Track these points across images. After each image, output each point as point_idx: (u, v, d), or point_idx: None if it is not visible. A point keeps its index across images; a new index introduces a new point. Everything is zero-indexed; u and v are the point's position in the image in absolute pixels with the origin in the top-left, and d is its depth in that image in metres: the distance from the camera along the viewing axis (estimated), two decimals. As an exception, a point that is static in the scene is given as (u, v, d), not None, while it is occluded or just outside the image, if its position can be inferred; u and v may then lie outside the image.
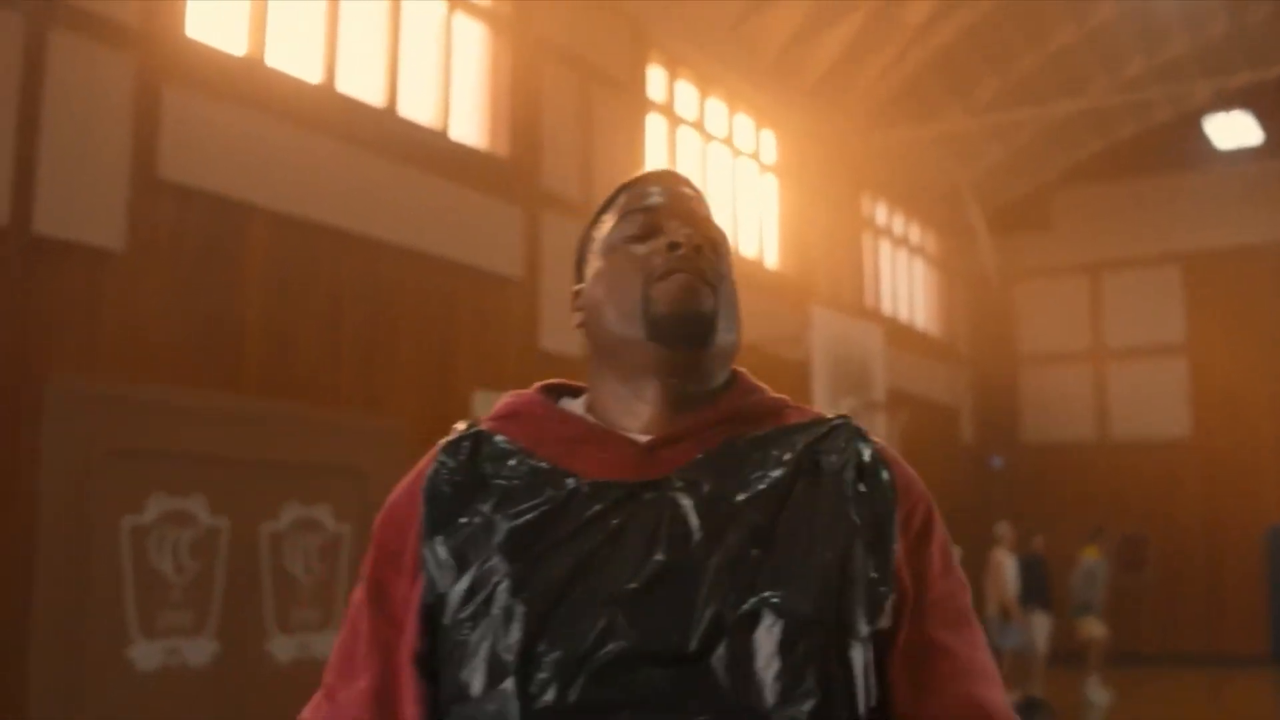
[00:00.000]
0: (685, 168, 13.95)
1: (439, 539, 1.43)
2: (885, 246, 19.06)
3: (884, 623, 1.40)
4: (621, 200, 1.60)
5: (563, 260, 11.74)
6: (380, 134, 9.81)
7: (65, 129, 7.65)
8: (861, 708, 1.36)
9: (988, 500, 19.86)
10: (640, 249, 1.50)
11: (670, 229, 1.51)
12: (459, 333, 10.38)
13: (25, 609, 7.33)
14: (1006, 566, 13.09)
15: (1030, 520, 17.62)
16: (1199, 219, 20.05)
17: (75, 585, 7.59)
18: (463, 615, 1.37)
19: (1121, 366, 20.55)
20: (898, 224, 19.51)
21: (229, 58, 8.74)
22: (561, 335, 11.37)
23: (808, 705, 1.30)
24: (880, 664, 1.40)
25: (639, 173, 1.64)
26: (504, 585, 1.36)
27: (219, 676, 8.35)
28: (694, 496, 1.39)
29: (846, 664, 1.35)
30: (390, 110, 10.06)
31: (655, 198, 1.56)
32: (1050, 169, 20.92)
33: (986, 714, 1.42)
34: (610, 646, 1.30)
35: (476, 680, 1.34)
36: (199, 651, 8.25)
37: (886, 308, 18.77)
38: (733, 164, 15.02)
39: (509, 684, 1.31)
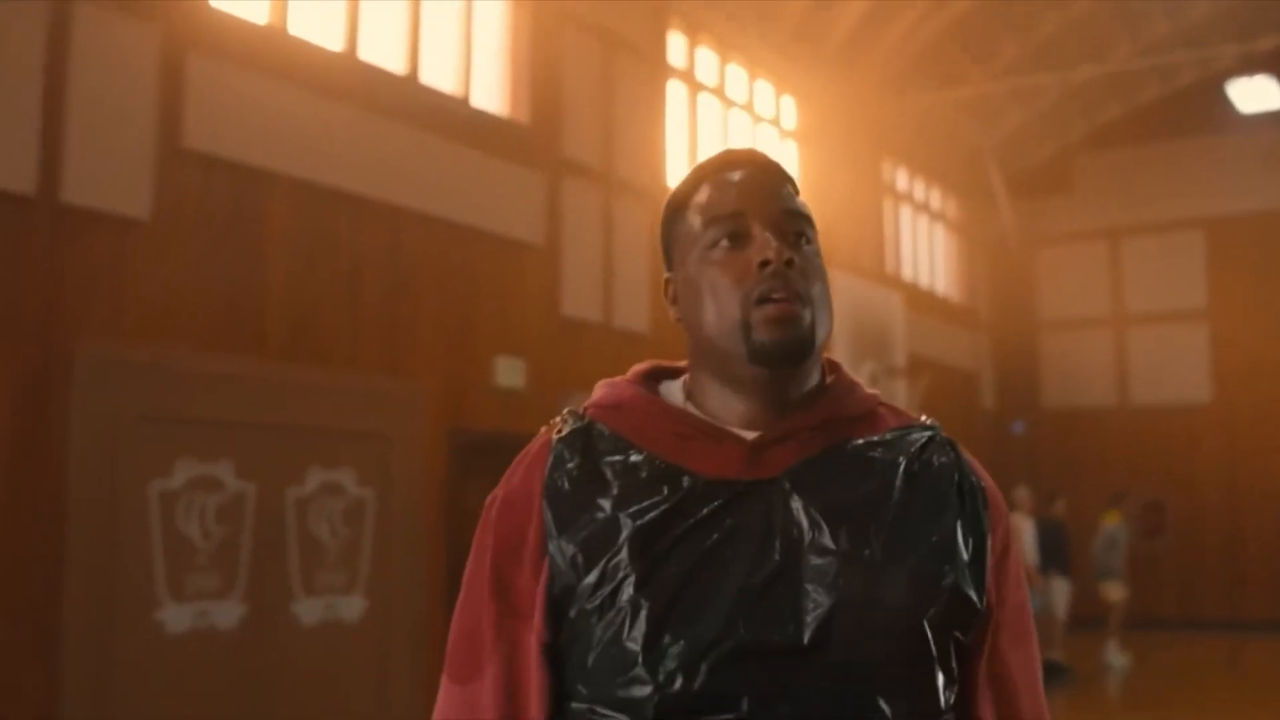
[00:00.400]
0: (706, 134, 13.98)
1: (564, 537, 1.49)
2: (905, 212, 19.05)
3: (972, 636, 1.49)
4: (706, 194, 1.60)
5: (583, 227, 11.81)
6: (401, 101, 9.87)
7: (91, 99, 7.73)
8: (944, 706, 1.46)
9: (1007, 465, 19.92)
10: (732, 264, 1.52)
11: (758, 239, 1.53)
12: (480, 299, 10.46)
13: (57, 572, 7.47)
14: (1024, 531, 13.14)
15: (1050, 485, 17.67)
16: (1221, 184, 19.96)
17: (105, 549, 7.72)
18: (590, 607, 1.45)
19: (1142, 332, 20.52)
20: (918, 189, 19.49)
21: (252, 27, 8.81)
22: (582, 302, 11.45)
23: (909, 702, 1.40)
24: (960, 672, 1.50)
25: (719, 152, 1.66)
26: (630, 580, 1.43)
27: (246, 639, 8.49)
28: (804, 497, 1.46)
29: (946, 667, 1.45)
30: (411, 78, 10.12)
31: (737, 199, 1.56)
32: (1072, 133, 20.85)
33: None
34: (730, 640, 1.39)
35: (604, 669, 1.43)
36: (227, 614, 8.39)
37: (907, 273, 18.78)
38: (753, 130, 15.03)
39: (638, 671, 1.40)
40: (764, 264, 1.50)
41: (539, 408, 10.76)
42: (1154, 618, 18.29)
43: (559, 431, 1.58)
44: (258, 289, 8.73)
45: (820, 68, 15.74)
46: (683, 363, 1.67)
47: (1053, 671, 13.50)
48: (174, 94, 8.21)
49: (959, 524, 1.50)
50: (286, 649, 8.71)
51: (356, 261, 9.43)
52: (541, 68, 11.36)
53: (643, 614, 1.41)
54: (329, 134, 9.19)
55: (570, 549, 1.48)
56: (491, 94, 11.12)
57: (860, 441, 1.54)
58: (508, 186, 10.77)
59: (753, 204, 1.55)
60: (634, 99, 12.54)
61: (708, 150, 13.74)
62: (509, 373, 10.59)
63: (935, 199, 20.12)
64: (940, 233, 20.37)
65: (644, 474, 1.50)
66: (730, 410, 1.54)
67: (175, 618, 8.10)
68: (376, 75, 9.75)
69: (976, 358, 20.95)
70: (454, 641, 1.59)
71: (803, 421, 1.53)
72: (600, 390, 1.63)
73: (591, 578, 1.46)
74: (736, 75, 14.77)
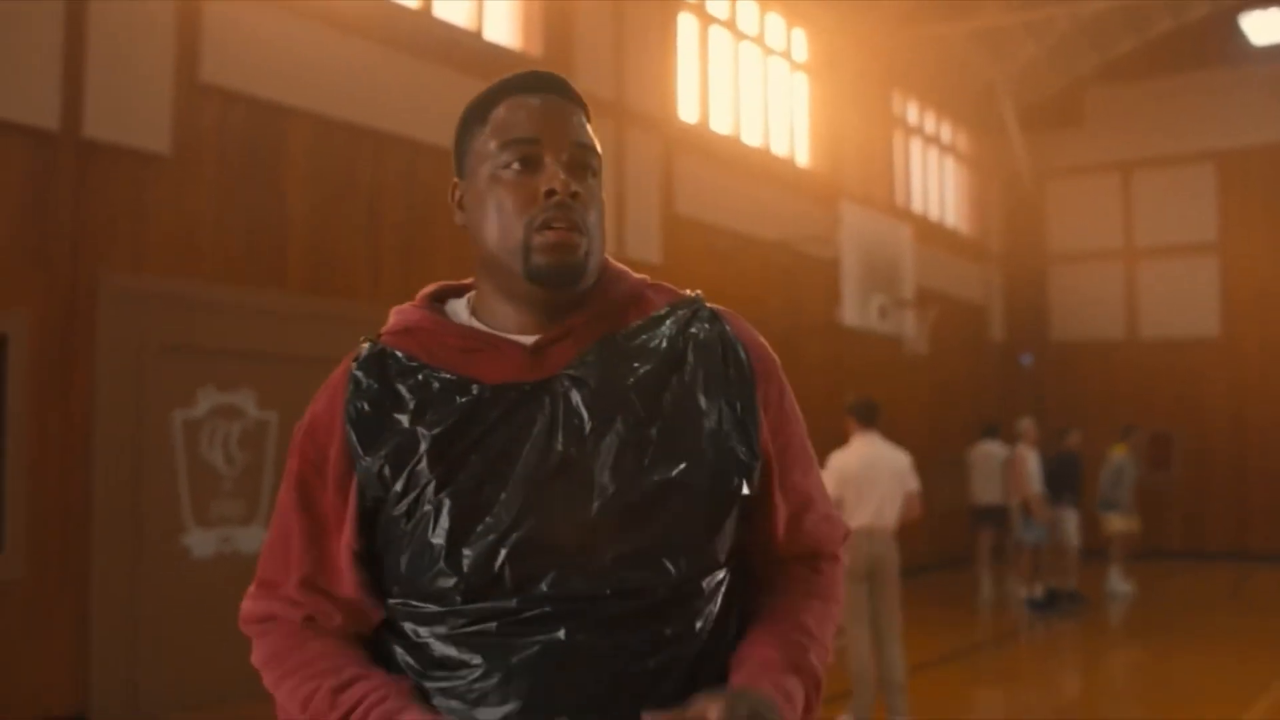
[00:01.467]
0: (717, 66, 14.01)
1: (369, 455, 1.62)
2: (916, 145, 19.08)
3: (752, 489, 1.66)
4: (503, 113, 1.67)
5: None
6: (416, 36, 9.95)
7: (111, 36, 7.84)
8: (722, 559, 1.64)
9: (1015, 397, 20.07)
10: (520, 188, 1.62)
11: (548, 169, 1.62)
12: (495, 232, 10.58)
13: (86, 499, 7.68)
14: (1029, 461, 13.30)
15: (1057, 417, 17.84)
16: (1234, 117, 19.92)
17: (131, 476, 7.93)
18: (397, 513, 1.60)
19: (1152, 265, 20.57)
20: (929, 122, 19.50)
21: (268, -38, 8.89)
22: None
23: (690, 558, 1.58)
24: (748, 517, 1.69)
25: (524, 72, 1.72)
26: (431, 485, 1.58)
27: (269, 563, 8.69)
28: (582, 391, 1.60)
29: (720, 524, 1.62)
30: (426, 12, 10.20)
31: (533, 125, 1.64)
32: (1084, 66, 20.79)
33: (821, 538, 1.78)
34: (524, 527, 1.55)
35: (415, 566, 1.59)
36: (251, 540, 8.60)
37: (917, 206, 18.84)
38: (764, 63, 15.06)
39: (442, 565, 1.56)
40: (550, 193, 1.60)
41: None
42: (1161, 549, 18.51)
43: (356, 358, 1.71)
44: (278, 222, 8.87)
45: (832, 0, 15.72)
46: (469, 280, 1.80)
47: (1069, 599, 13.77)
48: (192, 29, 8.31)
49: (725, 390, 1.65)
50: (308, 574, 8.91)
51: (374, 195, 9.56)
52: (553, 1, 11.42)
53: (444, 512, 1.56)
54: (345, 68, 9.29)
55: (376, 463, 1.62)
56: (504, 27, 11.19)
57: (631, 327, 1.68)
58: (521, 120, 10.84)
59: (547, 132, 1.63)
60: (645, 31, 12.59)
61: (718, 85, 13.81)
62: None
63: (946, 132, 20.13)
64: (950, 166, 20.40)
65: (436, 388, 1.63)
66: (510, 319, 1.67)
67: (201, 543, 8.32)
68: (392, 10, 9.83)
69: (986, 290, 21.04)
70: (264, 555, 1.74)
71: (576, 320, 1.65)
72: (392, 317, 1.76)
73: (398, 487, 1.60)
74: (748, 8, 14.78)
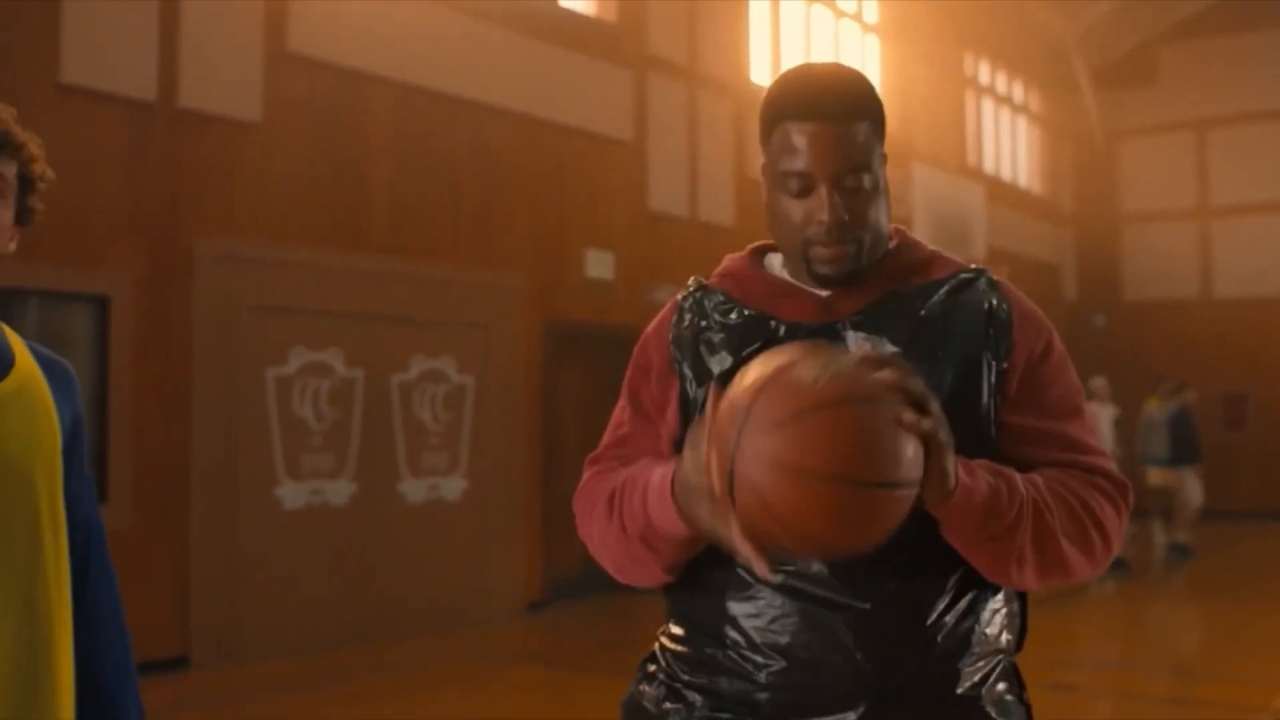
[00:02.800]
0: (788, 29, 14.13)
1: (687, 365, 1.96)
2: (988, 105, 19.07)
3: (1004, 420, 1.88)
4: (781, 137, 1.89)
5: (669, 123, 12.08)
6: (494, 4, 10.19)
7: (203, 10, 8.17)
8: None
9: (1087, 357, 20.07)
10: (797, 207, 1.87)
11: (819, 197, 1.84)
12: (570, 194, 10.85)
13: (185, 453, 8.06)
14: (1101, 419, 13.40)
15: (1130, 377, 17.84)
16: (1311, 73, 19.70)
17: (227, 431, 8.30)
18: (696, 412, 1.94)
19: (1226, 224, 20.42)
20: (1000, 82, 19.47)
21: (351, -67, 9.16)
22: (668, 196, 11.78)
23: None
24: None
25: (799, 83, 1.92)
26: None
27: (356, 515, 9.07)
28: (860, 334, 1.88)
29: (981, 450, 1.83)
30: (502, -20, 10.43)
31: (805, 159, 1.85)
32: (1158, 23, 20.62)
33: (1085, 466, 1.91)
34: None
35: None
36: (339, 492, 8.96)
37: (989, 166, 18.85)
38: (835, 25, 15.15)
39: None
40: (822, 223, 1.84)
41: (627, 298, 11.18)
42: (1232, 510, 18.47)
43: (683, 293, 2.06)
44: (360, 186, 9.18)
45: (902, -39, 15.75)
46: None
47: (1178, 551, 14.08)
48: (279, 2, 8.62)
49: (984, 346, 1.88)
50: (393, 526, 9.28)
51: (454, 160, 9.84)
52: (627, -33, 11.60)
53: None
54: (424, 36, 9.56)
55: (690, 373, 1.96)
56: (579, -6, 11.40)
57: (913, 286, 1.94)
58: (596, 84, 11.09)
59: (818, 164, 1.84)
60: (717, -4, 12.74)
61: (790, 48, 13.92)
62: (599, 265, 11.00)
63: (1018, 92, 20.09)
64: (1023, 126, 20.36)
65: (746, 322, 1.95)
66: (807, 276, 1.94)
67: (292, 495, 8.68)
68: (469, -22, 10.06)
69: (1058, 250, 21.02)
70: (605, 438, 2.09)
71: (867, 281, 1.92)
72: (724, 262, 2.08)
73: (699, 394, 1.93)
74: (819, -30, 14.86)
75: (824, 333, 1.88)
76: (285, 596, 8.51)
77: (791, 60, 14.27)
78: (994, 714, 1.85)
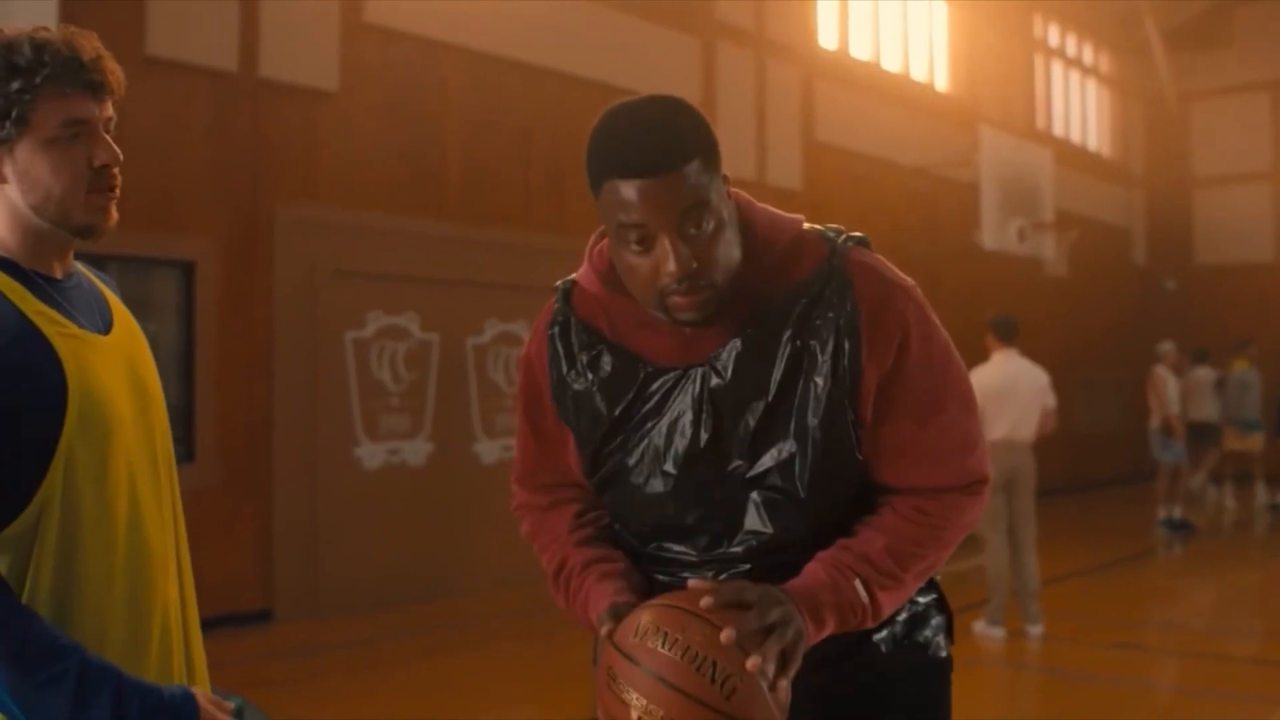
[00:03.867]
0: (855, -6, 14.10)
1: (570, 420, 2.04)
2: (1057, 67, 18.94)
3: (860, 450, 1.93)
4: (611, 192, 1.81)
5: (737, 88, 12.18)
6: (563, -28, 10.31)
7: (284, -22, 8.37)
8: (845, 507, 1.96)
9: (1158, 321, 19.91)
10: (642, 264, 1.81)
11: (660, 249, 1.79)
12: (640, 161, 10.94)
13: (268, 413, 8.31)
14: (1168, 384, 13.37)
15: (1201, 341, 17.71)
16: (1389, 31, 19.35)
17: (308, 393, 8.54)
18: (592, 450, 2.04)
19: (1302, 186, 20.15)
20: (1070, 44, 19.32)
21: (424, -96, 9.31)
22: (736, 160, 11.87)
23: (820, 516, 1.92)
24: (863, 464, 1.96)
25: (613, 148, 1.84)
26: (609, 455, 2.01)
27: (432, 475, 9.29)
28: (721, 378, 1.91)
29: (839, 484, 1.95)
30: (572, -52, 10.54)
31: (641, 213, 1.78)
32: (1232, -17, 20.34)
33: (924, 486, 1.98)
34: (683, 494, 1.96)
35: (618, 500, 2.05)
36: (415, 452, 9.19)
37: (1058, 129, 18.74)
38: (902, -12, 15.12)
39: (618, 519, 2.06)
40: (668, 274, 1.79)
41: (696, 264, 11.27)
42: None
43: (551, 322, 2.07)
44: (435, 153, 9.37)
45: (971, -77, 15.68)
46: None
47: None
48: (357, -29, 8.81)
49: (837, 365, 1.89)
50: (468, 485, 9.50)
51: (526, 126, 10.00)
52: (695, -67, 11.66)
53: (617, 480, 2.02)
54: (498, 5, 9.70)
55: (574, 424, 2.04)
56: (647, -39, 11.47)
57: (773, 305, 1.91)
58: (664, 50, 11.19)
59: (652, 218, 1.77)
60: (785, -39, 12.78)
61: (858, 11, 13.94)
62: (667, 230, 11.11)
63: (1088, 54, 19.92)
64: (1092, 88, 20.19)
65: (611, 372, 2.00)
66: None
67: (371, 454, 8.92)
68: (539, -53, 10.19)
69: (1128, 213, 20.85)
70: (514, 458, 2.23)
71: (726, 309, 1.88)
72: (584, 270, 2.04)
73: (588, 450, 2.04)
74: (886, -66, 14.84)
75: (688, 379, 1.94)
76: (364, 553, 8.76)
77: (860, 23, 14.29)
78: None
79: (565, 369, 2.03)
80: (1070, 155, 18.54)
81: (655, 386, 1.96)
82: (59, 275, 1.93)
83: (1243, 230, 20.49)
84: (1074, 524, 14.07)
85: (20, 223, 1.88)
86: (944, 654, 2.11)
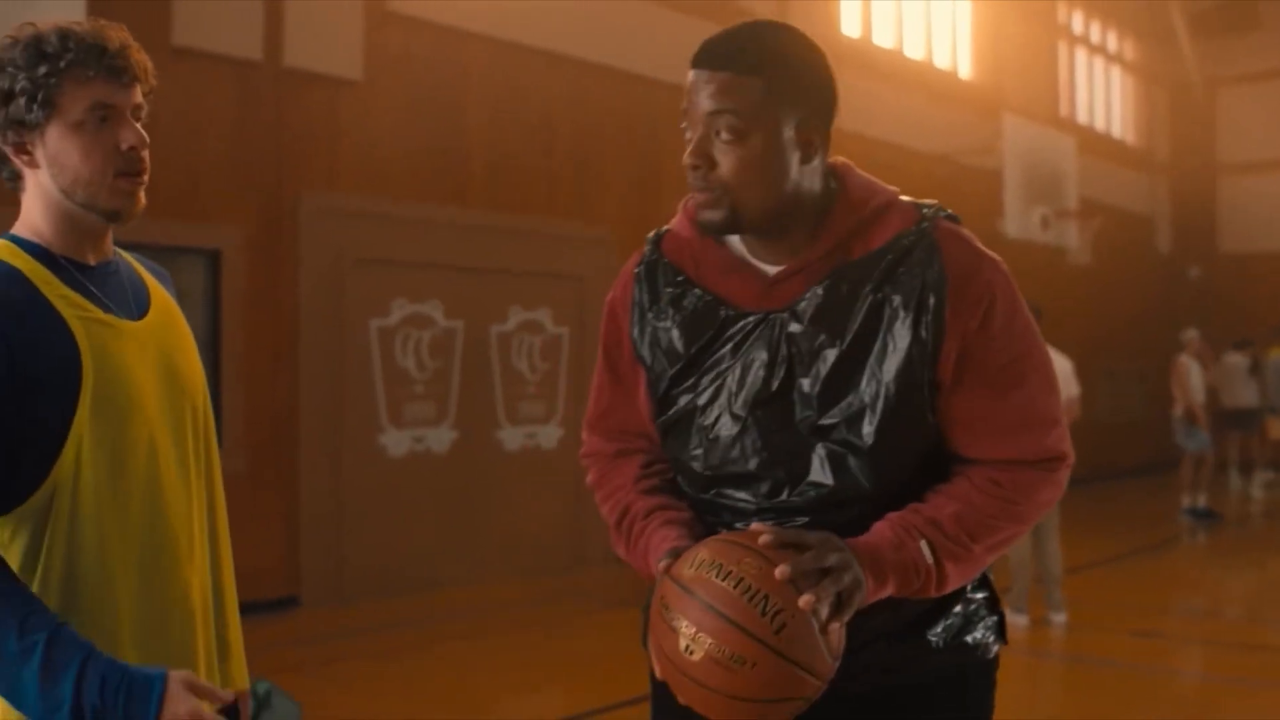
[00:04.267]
0: (878, -19, 14.07)
1: (646, 354, 2.07)
2: (1081, 54, 18.85)
3: (938, 403, 1.94)
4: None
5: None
6: (585, -40, 10.31)
7: (308, -32, 8.40)
8: (908, 474, 1.95)
9: (1181, 310, 19.83)
10: (688, 148, 1.92)
11: (688, 139, 1.91)
12: (662, 146, 10.96)
13: (293, 401, 8.36)
14: (1192, 371, 13.33)
15: (1226, 329, 17.63)
16: None
17: (333, 380, 8.59)
18: (665, 392, 2.07)
19: (1329, 173, 19.99)
20: (1094, 31, 19.23)
21: (447, -107, 9.32)
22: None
23: (880, 472, 1.92)
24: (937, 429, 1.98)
25: (708, 38, 1.95)
26: (681, 394, 2.03)
27: (456, 462, 9.34)
28: (800, 324, 1.93)
29: (911, 441, 1.95)
30: (594, -64, 10.54)
31: (686, 101, 1.92)
32: (1258, -31, 20.18)
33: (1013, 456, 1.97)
34: (749, 439, 1.97)
35: (682, 445, 2.05)
36: (440, 440, 9.24)
37: (1082, 116, 18.66)
38: (925, -24, 15.07)
39: (687, 457, 2.03)
40: (686, 161, 1.92)
41: (718, 252, 11.28)
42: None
43: (639, 262, 2.12)
44: (459, 141, 9.40)
45: (995, -90, 15.60)
46: None
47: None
48: (380, -40, 8.83)
49: (921, 329, 1.90)
50: (492, 472, 9.54)
51: (548, 114, 10.02)
52: (718, -79, 11.65)
53: (692, 420, 2.04)
54: (519, -7, 9.72)
55: (648, 359, 2.07)
56: (669, -51, 11.46)
57: (856, 261, 1.94)
58: (687, 37, 11.05)
59: (691, 110, 1.90)
60: (807, -52, 12.74)
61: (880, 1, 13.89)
62: (691, 218, 11.12)
63: (1112, 40, 19.83)
64: (1116, 75, 20.09)
65: (696, 307, 2.02)
66: (760, 249, 1.99)
67: (395, 442, 8.97)
68: (562, -65, 10.19)
69: (1152, 201, 20.75)
70: (591, 404, 2.25)
71: (811, 255, 1.94)
72: (679, 217, 2.09)
73: (660, 388, 2.05)
74: (909, -80, 14.78)
75: (767, 324, 1.95)
76: (389, 540, 8.81)
77: (882, 11, 14.27)
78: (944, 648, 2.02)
79: (648, 305, 2.07)
80: (1094, 142, 18.46)
81: (734, 330, 1.98)
82: (92, 262, 1.98)
83: (1268, 218, 20.34)
84: (1097, 512, 14.03)
85: (53, 208, 1.94)
86: (992, 655, 2.10)
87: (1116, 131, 20.00)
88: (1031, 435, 1.97)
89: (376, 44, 8.85)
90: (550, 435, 10.03)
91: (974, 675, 2.08)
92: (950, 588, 1.94)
